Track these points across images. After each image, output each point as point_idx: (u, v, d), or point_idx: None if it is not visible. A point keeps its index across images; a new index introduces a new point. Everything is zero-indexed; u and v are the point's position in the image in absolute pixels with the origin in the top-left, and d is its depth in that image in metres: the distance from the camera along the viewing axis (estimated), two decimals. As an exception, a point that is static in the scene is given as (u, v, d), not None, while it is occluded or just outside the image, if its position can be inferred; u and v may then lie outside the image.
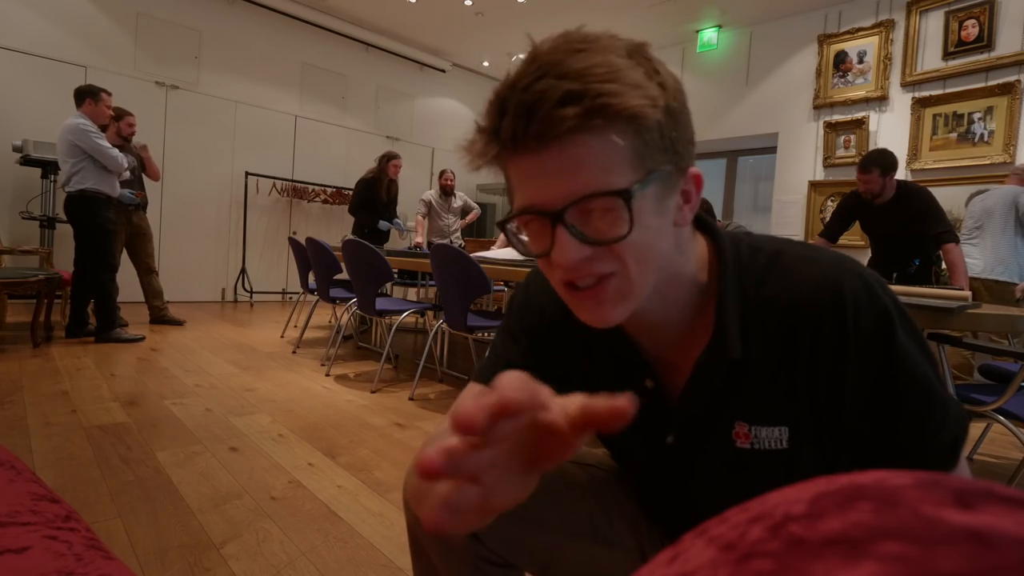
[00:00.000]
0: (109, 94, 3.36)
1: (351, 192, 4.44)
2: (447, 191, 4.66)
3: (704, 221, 0.56)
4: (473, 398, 0.31)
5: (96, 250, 3.28)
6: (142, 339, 3.36)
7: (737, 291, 0.52)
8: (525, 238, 0.50)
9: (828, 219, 3.04)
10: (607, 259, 0.46)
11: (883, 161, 2.61)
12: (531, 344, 0.64)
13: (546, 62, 0.42)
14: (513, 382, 0.32)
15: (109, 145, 3.26)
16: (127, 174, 3.47)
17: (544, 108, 0.41)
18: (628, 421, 0.30)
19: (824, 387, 0.51)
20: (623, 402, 0.30)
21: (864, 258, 3.18)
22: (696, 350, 0.54)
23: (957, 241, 2.58)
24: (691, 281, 0.53)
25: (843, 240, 3.45)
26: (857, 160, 4.50)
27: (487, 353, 0.68)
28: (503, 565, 0.65)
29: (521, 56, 0.46)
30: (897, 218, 2.68)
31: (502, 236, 4.39)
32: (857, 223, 2.98)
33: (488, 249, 3.96)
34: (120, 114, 3.63)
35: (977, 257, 3.18)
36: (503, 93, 0.44)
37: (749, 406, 0.53)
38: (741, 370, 0.52)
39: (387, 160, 4.25)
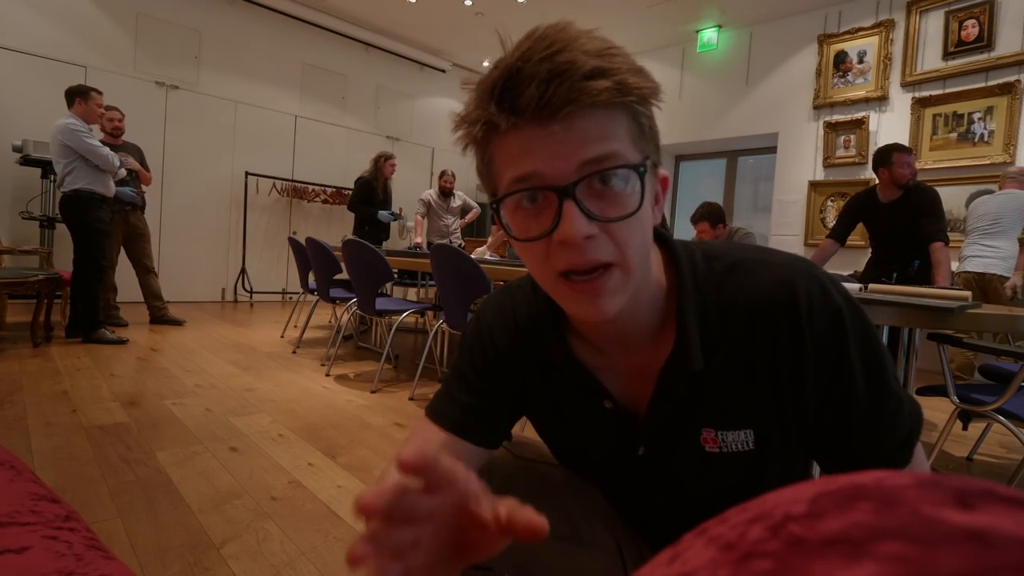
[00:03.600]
0: (100, 93, 3.35)
1: (351, 191, 4.47)
2: (446, 192, 4.68)
3: (655, 229, 0.57)
4: (424, 442, 0.34)
5: (86, 249, 3.27)
6: (125, 342, 3.32)
7: (696, 299, 0.53)
8: (519, 216, 0.47)
9: (836, 221, 3.04)
10: (608, 246, 0.45)
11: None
12: (480, 379, 0.63)
13: (560, 39, 0.42)
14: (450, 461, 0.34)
15: (99, 144, 3.25)
16: (122, 172, 3.46)
17: (573, 78, 0.41)
18: (542, 538, 0.34)
19: (786, 387, 0.51)
20: (541, 521, 0.34)
21: (864, 258, 3.18)
22: (660, 359, 0.54)
23: (947, 242, 2.61)
24: (656, 285, 0.53)
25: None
26: (857, 160, 4.55)
27: (439, 389, 0.67)
28: (484, 568, 0.65)
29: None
30: (904, 215, 2.69)
31: (492, 238, 4.42)
32: (861, 223, 2.99)
33: (483, 247, 3.96)
34: (105, 110, 3.61)
35: (992, 256, 3.22)
36: (514, 64, 0.43)
37: (714, 412, 0.54)
38: (704, 378, 0.53)
39: (384, 159, 4.30)
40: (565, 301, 0.49)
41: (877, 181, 2.77)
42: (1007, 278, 3.14)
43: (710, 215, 3.08)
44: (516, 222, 0.47)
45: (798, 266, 0.52)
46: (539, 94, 0.41)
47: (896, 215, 2.72)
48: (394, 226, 4.74)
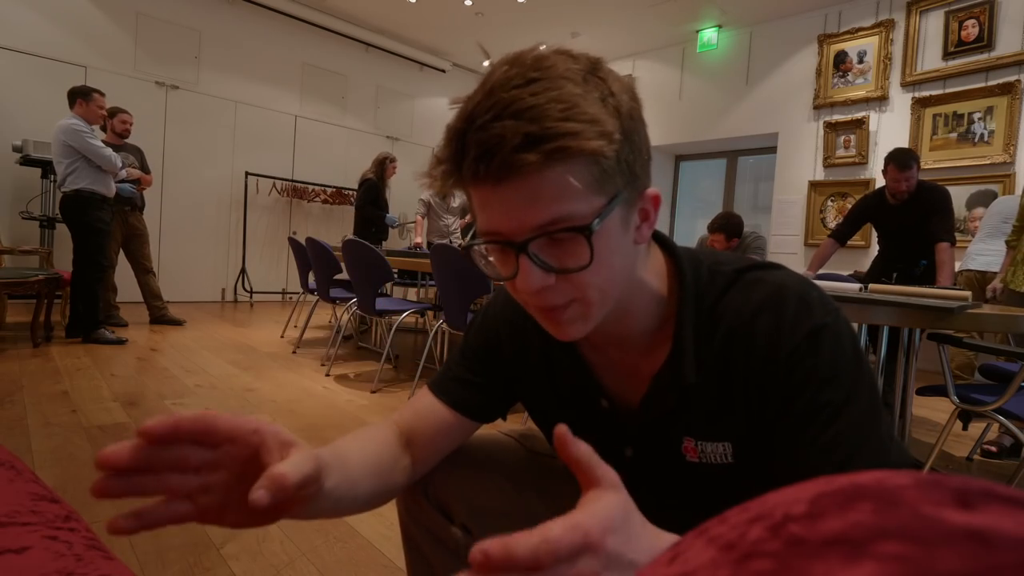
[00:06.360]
0: (102, 94, 3.35)
1: (351, 192, 4.49)
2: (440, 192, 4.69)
3: (662, 236, 0.58)
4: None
5: (86, 249, 3.27)
6: (124, 342, 3.31)
7: (694, 314, 0.53)
8: (491, 259, 0.50)
9: (841, 221, 3.03)
10: (565, 291, 0.47)
11: (917, 158, 2.64)
12: (480, 361, 0.66)
13: (501, 99, 0.41)
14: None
15: (102, 145, 3.26)
16: (123, 173, 3.47)
17: (503, 151, 0.41)
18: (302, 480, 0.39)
19: (756, 404, 0.51)
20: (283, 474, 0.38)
21: (867, 258, 3.18)
22: (656, 363, 0.55)
23: (953, 243, 2.61)
24: (652, 295, 0.54)
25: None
26: (857, 160, 4.55)
27: (443, 364, 0.70)
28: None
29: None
30: (914, 215, 2.69)
31: None
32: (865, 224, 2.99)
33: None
34: (114, 112, 3.63)
35: (996, 255, 3.21)
36: (461, 128, 0.43)
37: (695, 422, 0.55)
38: (691, 389, 0.54)
39: (389, 161, 4.32)
40: (539, 322, 0.52)
41: (883, 181, 2.77)
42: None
43: (727, 228, 3.09)
44: (494, 260, 0.51)
45: (791, 285, 0.51)
46: (474, 170, 0.43)
47: (906, 214, 2.72)
48: (394, 226, 4.76)
